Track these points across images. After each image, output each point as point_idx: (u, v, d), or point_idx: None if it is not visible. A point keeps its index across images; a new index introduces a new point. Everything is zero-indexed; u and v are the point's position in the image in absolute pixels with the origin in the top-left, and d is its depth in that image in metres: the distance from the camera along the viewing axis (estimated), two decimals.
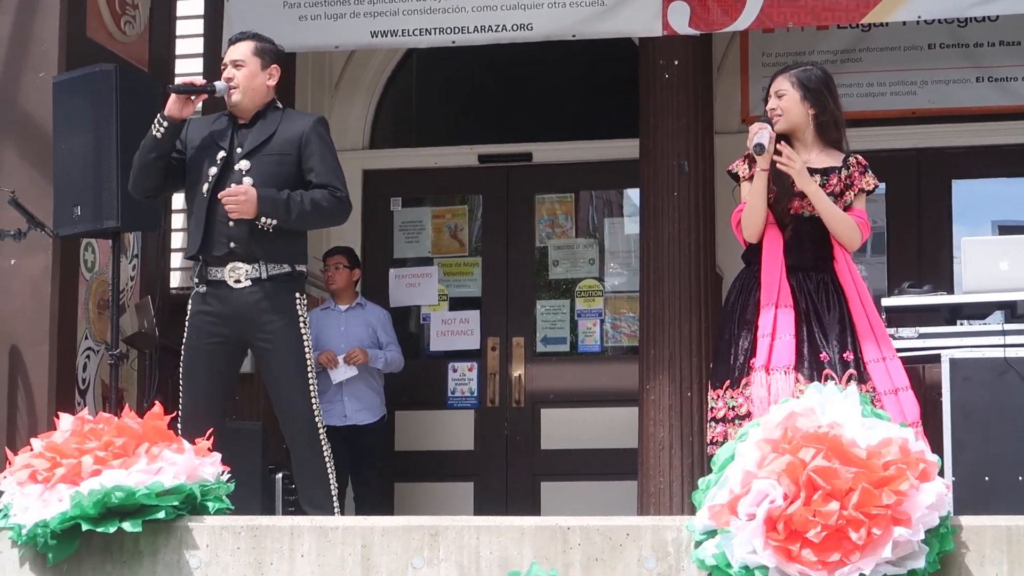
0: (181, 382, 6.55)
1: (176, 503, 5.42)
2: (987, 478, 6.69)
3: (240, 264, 6.44)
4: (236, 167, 6.48)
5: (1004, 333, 6.96)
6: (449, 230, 10.56)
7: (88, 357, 8.02)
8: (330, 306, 9.70)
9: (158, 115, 6.48)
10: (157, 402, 6.03)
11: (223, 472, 5.70)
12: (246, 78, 6.55)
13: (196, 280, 6.55)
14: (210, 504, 5.51)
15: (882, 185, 6.40)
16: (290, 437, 6.55)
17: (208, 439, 5.76)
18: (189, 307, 6.58)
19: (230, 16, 8.96)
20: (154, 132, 6.49)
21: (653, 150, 8.97)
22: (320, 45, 9.18)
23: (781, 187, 6.25)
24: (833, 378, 6.02)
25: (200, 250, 6.48)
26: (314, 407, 6.48)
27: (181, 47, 9.29)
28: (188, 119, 6.56)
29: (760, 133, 6.22)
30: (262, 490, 7.90)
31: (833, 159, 6.31)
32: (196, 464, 5.59)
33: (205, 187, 6.47)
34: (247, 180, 6.42)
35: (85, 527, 5.35)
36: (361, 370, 9.43)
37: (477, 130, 10.64)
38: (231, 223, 6.41)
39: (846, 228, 6.23)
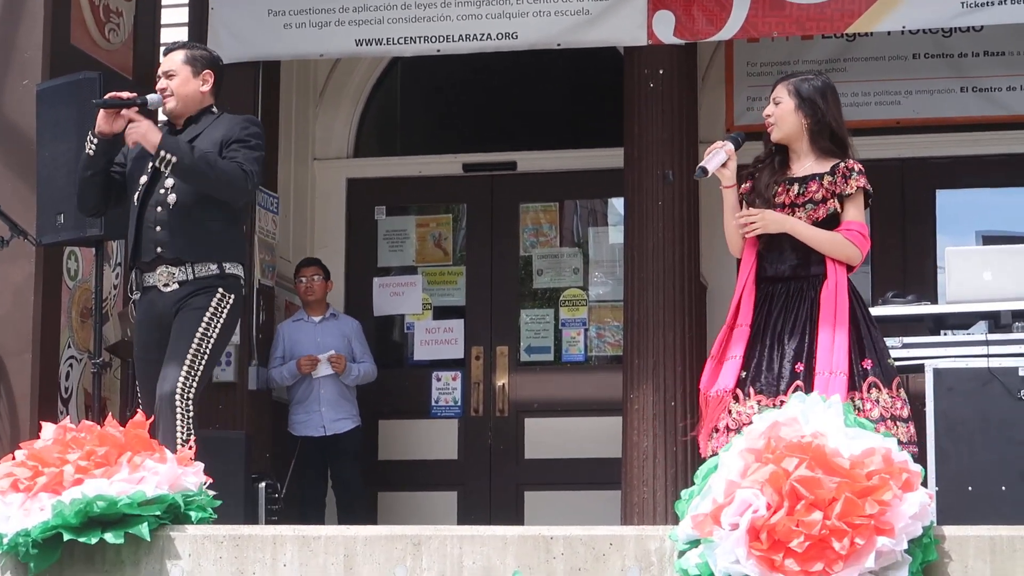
0: (138, 391, 6.54)
1: (158, 512, 5.40)
2: (970, 488, 6.70)
3: (168, 267, 6.42)
4: (162, 171, 6.45)
5: (988, 343, 6.97)
6: (433, 239, 10.54)
7: (71, 366, 8.00)
8: (302, 317, 9.67)
9: (89, 132, 6.49)
10: (139, 411, 6.00)
11: (206, 482, 5.68)
12: (178, 86, 6.56)
13: (132, 288, 6.57)
14: (192, 513, 5.50)
15: None
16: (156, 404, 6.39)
17: (190, 448, 5.76)
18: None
19: (214, 25, 8.95)
20: (87, 149, 6.50)
21: (638, 159, 8.97)
22: (305, 53, 9.17)
23: (762, 201, 6.21)
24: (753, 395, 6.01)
25: (132, 257, 6.50)
26: (178, 390, 6.27)
27: None
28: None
29: (710, 156, 6.16)
30: (245, 499, 7.88)
31: (822, 167, 6.20)
32: (179, 473, 5.57)
33: (136, 196, 6.49)
34: (168, 182, 6.41)
35: (67, 537, 5.34)
36: (336, 379, 9.42)
37: (462, 139, 10.64)
38: (157, 227, 6.41)
39: (836, 248, 6.09)
